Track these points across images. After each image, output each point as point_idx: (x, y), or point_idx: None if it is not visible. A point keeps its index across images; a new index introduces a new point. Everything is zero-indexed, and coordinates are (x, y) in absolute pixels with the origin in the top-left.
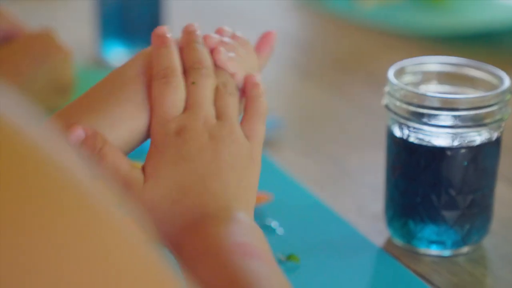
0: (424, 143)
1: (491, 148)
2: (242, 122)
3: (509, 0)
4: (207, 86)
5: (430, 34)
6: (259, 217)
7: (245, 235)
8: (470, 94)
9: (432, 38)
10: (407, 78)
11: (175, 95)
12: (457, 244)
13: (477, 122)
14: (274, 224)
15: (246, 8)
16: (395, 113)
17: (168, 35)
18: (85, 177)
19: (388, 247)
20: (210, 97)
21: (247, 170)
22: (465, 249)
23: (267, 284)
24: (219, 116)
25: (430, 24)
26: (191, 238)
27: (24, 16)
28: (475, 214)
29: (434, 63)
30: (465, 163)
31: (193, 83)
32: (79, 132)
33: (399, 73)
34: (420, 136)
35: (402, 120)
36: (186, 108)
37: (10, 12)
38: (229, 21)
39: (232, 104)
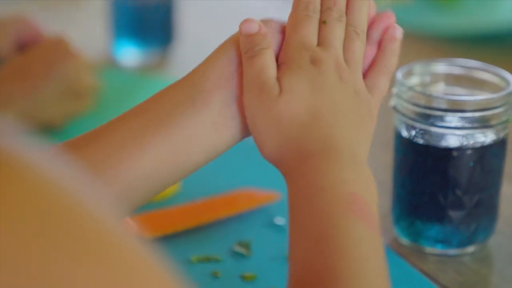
0: (431, 144)
1: (497, 149)
2: (367, 73)
3: None
4: (336, 26)
5: (440, 35)
6: (268, 215)
7: (360, 185)
8: (476, 96)
9: (442, 38)
10: (415, 80)
11: (313, 28)
12: (463, 243)
13: (483, 124)
14: (282, 222)
15: (258, 10)
16: (403, 114)
17: None
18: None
19: (395, 245)
20: (340, 38)
21: (365, 124)
22: (471, 248)
23: (359, 252)
24: (346, 59)
25: (441, 25)
26: (305, 168)
27: (37, 16)
28: (481, 214)
29: (442, 65)
30: (471, 164)
31: (323, 22)
32: (253, 25)
33: (407, 74)
34: (427, 137)
35: (409, 121)
36: (318, 44)
37: (32, 18)
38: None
39: (359, 49)
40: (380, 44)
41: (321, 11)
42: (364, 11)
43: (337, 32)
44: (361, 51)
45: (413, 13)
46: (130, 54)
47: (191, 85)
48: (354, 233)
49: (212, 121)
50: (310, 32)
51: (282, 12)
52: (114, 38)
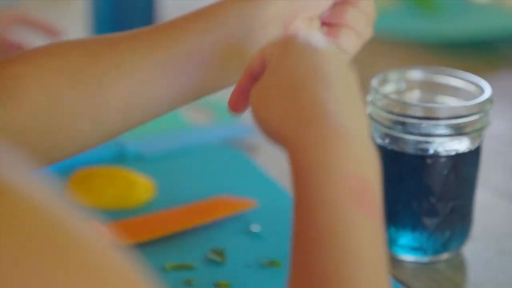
0: (406, 152)
1: (471, 156)
2: None
3: (501, 7)
4: None
5: (423, 41)
6: (244, 223)
7: (364, 163)
8: (451, 104)
9: (424, 44)
10: (391, 87)
11: None
12: (437, 251)
13: (458, 131)
14: (258, 229)
15: None
16: (377, 122)
17: None
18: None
19: None
20: None
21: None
22: (445, 256)
23: (365, 256)
24: None
25: (423, 31)
26: (304, 141)
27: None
28: (455, 221)
29: (417, 72)
30: (446, 171)
31: None
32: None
33: (383, 82)
34: (402, 144)
35: (384, 129)
36: None
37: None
38: None
39: None
40: None
41: None
42: None
43: None
44: None
45: (395, 19)
46: None
47: None
48: (361, 233)
49: None
50: None
51: None
52: (94, 31)
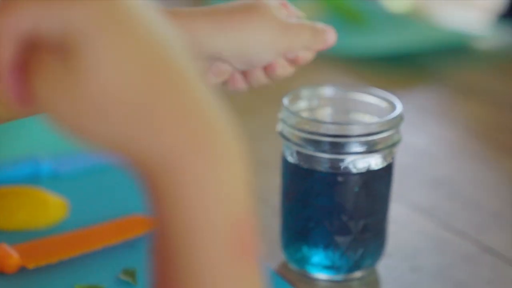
0: (316, 169)
1: (383, 173)
2: None
3: (425, 21)
4: None
5: (349, 55)
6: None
7: (242, 196)
8: (362, 121)
9: (351, 59)
10: (303, 104)
11: None
12: (350, 269)
13: (369, 148)
14: None
15: None
16: (288, 140)
17: None
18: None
19: (284, 271)
20: None
21: None
22: (359, 274)
23: None
24: None
25: (349, 45)
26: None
27: None
28: (368, 239)
29: (330, 88)
30: (357, 189)
31: None
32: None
33: (294, 99)
34: (312, 162)
35: (295, 147)
36: None
37: None
38: None
39: None
40: None
41: None
42: None
43: None
44: None
45: None
46: None
47: None
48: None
49: None
50: None
51: None
52: None
